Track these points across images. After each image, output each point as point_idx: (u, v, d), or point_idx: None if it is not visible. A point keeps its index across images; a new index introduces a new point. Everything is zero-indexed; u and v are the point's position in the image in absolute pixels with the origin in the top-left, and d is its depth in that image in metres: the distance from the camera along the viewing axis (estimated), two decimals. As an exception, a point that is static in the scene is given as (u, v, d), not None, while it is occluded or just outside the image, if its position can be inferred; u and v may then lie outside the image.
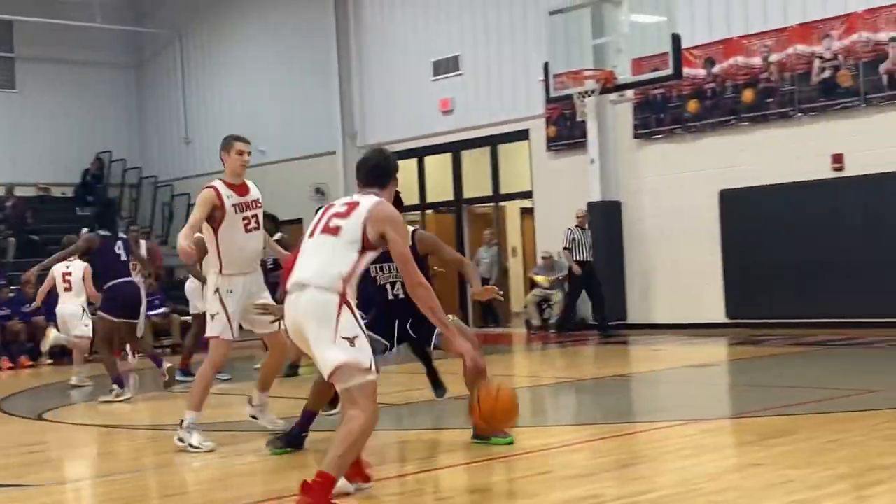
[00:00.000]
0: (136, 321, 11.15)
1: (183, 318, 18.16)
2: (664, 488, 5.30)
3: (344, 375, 4.81)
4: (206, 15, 24.39)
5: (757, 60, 15.51)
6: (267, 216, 8.80)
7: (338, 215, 5.10)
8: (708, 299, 15.93)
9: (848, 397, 8.16)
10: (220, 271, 7.17)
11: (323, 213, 5.20)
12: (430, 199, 20.65)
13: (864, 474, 5.29)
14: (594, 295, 16.34)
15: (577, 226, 16.45)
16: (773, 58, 15.31)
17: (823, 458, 5.71)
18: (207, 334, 7.15)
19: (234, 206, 7.15)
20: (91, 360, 12.73)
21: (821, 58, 14.86)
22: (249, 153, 7.43)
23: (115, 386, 10.53)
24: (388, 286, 6.77)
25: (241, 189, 7.26)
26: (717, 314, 15.88)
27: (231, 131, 18.90)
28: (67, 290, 12.44)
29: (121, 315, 10.69)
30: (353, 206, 5.13)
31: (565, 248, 16.53)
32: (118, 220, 12.01)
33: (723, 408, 8.72)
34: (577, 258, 16.27)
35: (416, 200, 20.36)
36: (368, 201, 5.13)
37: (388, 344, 6.79)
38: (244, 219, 7.20)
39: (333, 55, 21.45)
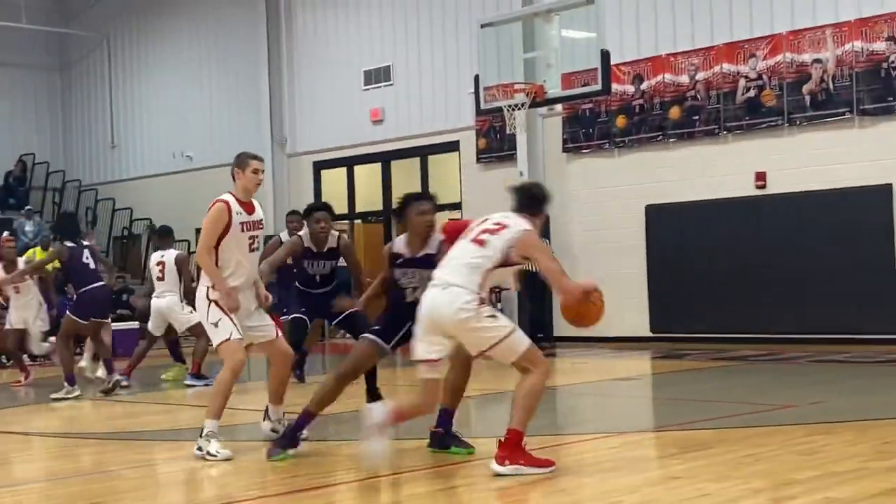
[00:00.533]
0: (106, 320, 12.13)
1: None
2: (586, 501, 5.34)
3: (509, 350, 5.88)
4: (135, 18, 24.08)
5: (684, 78, 15.75)
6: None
7: (488, 231, 6.04)
8: (632, 313, 16.09)
9: (766, 412, 8.30)
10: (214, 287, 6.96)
11: (479, 224, 6.14)
12: (359, 208, 20.60)
13: (779, 488, 5.37)
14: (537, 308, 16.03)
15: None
16: (700, 76, 15.56)
17: (740, 472, 5.79)
18: (217, 341, 6.92)
19: (241, 223, 6.97)
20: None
21: (746, 77, 15.14)
22: (263, 171, 7.33)
23: (66, 384, 10.93)
24: (409, 290, 6.84)
25: (249, 207, 7.09)
26: (641, 328, 16.06)
27: (159, 136, 19.19)
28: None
29: (92, 316, 11.30)
30: (502, 227, 6.05)
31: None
32: (80, 230, 12.44)
33: (645, 421, 8.81)
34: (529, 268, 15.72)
35: (344, 210, 20.27)
36: (517, 228, 6.07)
37: (387, 344, 6.84)
38: (249, 238, 7.04)
39: (264, 62, 21.31)
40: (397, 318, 6.78)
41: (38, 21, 24.13)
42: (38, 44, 25.19)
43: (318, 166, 21.04)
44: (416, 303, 6.32)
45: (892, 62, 13.85)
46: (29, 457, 7.92)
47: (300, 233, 9.49)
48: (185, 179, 22.92)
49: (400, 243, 6.87)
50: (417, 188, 19.49)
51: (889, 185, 13.92)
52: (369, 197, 20.36)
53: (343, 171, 20.43)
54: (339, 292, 9.29)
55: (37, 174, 24.97)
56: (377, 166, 20.13)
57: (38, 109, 25.52)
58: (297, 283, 9.85)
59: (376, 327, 6.87)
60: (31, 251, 19.79)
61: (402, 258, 6.81)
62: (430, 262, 6.46)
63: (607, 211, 16.53)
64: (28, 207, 22.45)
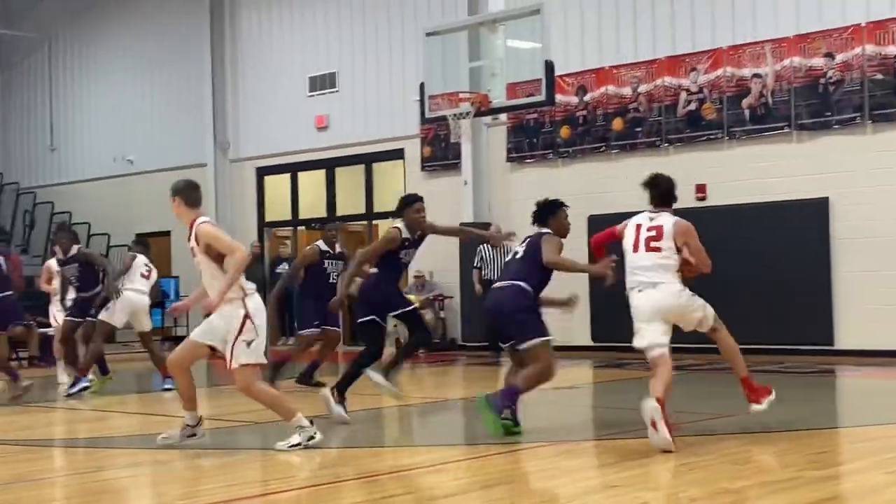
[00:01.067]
0: (4, 330, 11.77)
1: (41, 330, 17.59)
2: (523, 510, 5.35)
3: (707, 319, 7.61)
4: (78, 19, 23.79)
5: (627, 90, 15.91)
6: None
7: (651, 239, 7.51)
8: (575, 322, 16.18)
9: (703, 421, 8.40)
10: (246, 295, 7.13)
11: (635, 233, 7.64)
12: (302, 215, 20.51)
13: (713, 497, 5.44)
14: None
15: (486, 244, 15.31)
16: (643, 88, 15.74)
17: (677, 481, 5.86)
18: (245, 361, 6.96)
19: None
20: None
21: (687, 90, 15.34)
22: None
23: None
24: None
25: None
26: (584, 337, 16.16)
27: (100, 140, 18.97)
28: None
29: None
30: (659, 230, 7.51)
31: (474, 267, 15.62)
32: None
33: (584, 430, 8.87)
34: (488, 277, 15.07)
35: (288, 216, 20.19)
36: (669, 223, 7.52)
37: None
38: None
39: (207, 66, 21.16)
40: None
41: (-23, 21, 23.78)
42: (-24, 44, 24.82)
43: (262, 172, 20.93)
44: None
45: (830, 78, 14.12)
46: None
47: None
48: (126, 183, 22.68)
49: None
50: (362, 196, 19.48)
51: (825, 199, 14.18)
52: (313, 204, 20.28)
53: (287, 177, 20.35)
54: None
55: (-27, 176, 24.59)
56: (321, 173, 20.07)
57: (-25, 111, 25.12)
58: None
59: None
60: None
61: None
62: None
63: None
64: (-35, 210, 22.07)
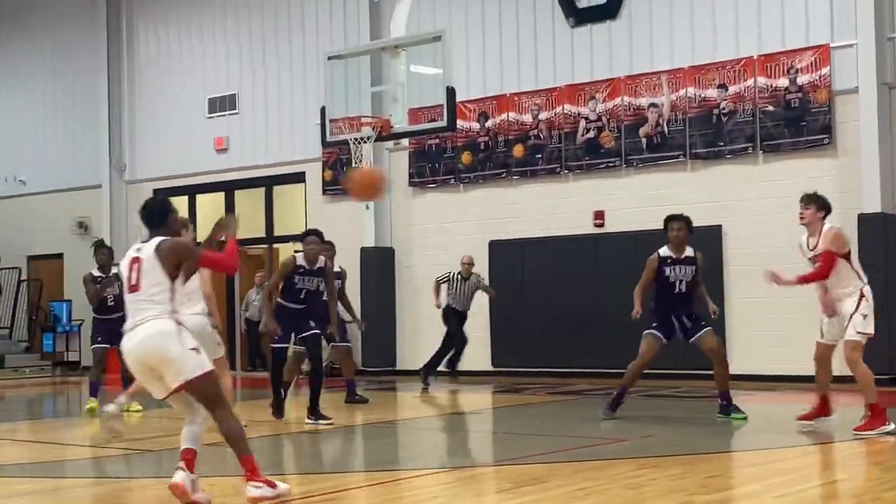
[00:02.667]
0: None
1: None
2: (418, 537, 5.31)
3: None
4: (-32, 34, 23.14)
5: (528, 117, 16.10)
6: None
7: (816, 258, 8.63)
8: (474, 347, 16.25)
9: (599, 445, 8.48)
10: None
11: (814, 256, 8.64)
12: (201, 237, 20.16)
13: (608, 522, 5.48)
14: (459, 344, 15.13)
15: (458, 273, 14.92)
16: (543, 116, 15.94)
17: (572, 507, 5.89)
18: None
19: None
20: None
21: (586, 119, 15.58)
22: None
23: None
24: (677, 283, 9.66)
25: None
26: (483, 362, 16.23)
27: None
28: None
29: None
30: (823, 242, 8.58)
31: (438, 281, 14.93)
32: None
33: (482, 455, 8.88)
34: (455, 307, 14.84)
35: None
36: (827, 234, 8.64)
37: (668, 334, 9.74)
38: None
39: (103, 85, 20.77)
40: (671, 310, 9.60)
41: None
42: None
43: (159, 194, 20.57)
44: (682, 293, 9.67)
45: (723, 108, 14.48)
46: None
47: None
48: (18, 204, 22.08)
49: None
50: (262, 218, 19.29)
51: (719, 227, 14.50)
52: (211, 226, 19.95)
53: (185, 199, 20.04)
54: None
55: None
56: (221, 195, 19.82)
57: None
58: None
59: (654, 323, 9.66)
60: None
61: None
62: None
63: (452, 245, 16.69)
64: None
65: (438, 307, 14.92)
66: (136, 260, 5.96)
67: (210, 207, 20.11)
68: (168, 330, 5.83)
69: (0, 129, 22.54)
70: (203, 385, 5.86)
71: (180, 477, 5.83)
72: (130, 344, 5.89)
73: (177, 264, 5.96)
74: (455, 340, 15.02)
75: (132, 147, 20.80)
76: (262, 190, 19.24)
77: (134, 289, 5.91)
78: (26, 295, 21.66)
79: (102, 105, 20.76)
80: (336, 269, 11.95)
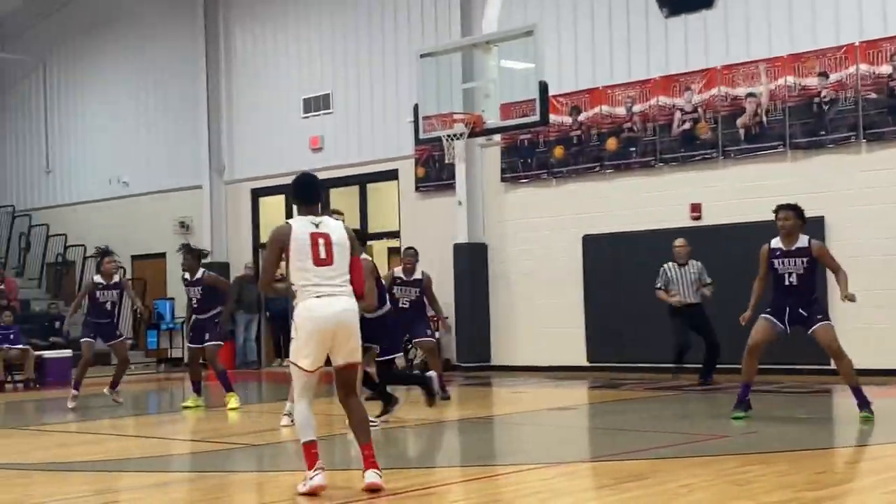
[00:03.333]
0: None
1: (38, 352, 17.55)
2: (520, 533, 5.30)
3: None
4: (73, 42, 23.82)
5: (621, 110, 15.95)
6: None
7: None
8: (570, 342, 16.19)
9: (701, 441, 8.37)
10: None
11: None
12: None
13: (713, 518, 5.40)
14: (707, 341, 13.44)
15: (672, 262, 13.45)
16: (637, 108, 15.77)
17: (675, 503, 5.82)
18: None
19: None
20: None
21: (681, 110, 15.37)
22: None
23: None
24: (786, 275, 9.32)
25: None
26: (579, 357, 16.14)
27: (94, 162, 19.12)
28: None
29: None
30: None
31: (657, 289, 13.50)
32: None
33: (580, 451, 8.82)
34: (680, 298, 13.31)
35: (283, 237, 20.13)
36: None
37: (783, 326, 9.34)
38: None
39: (202, 87, 21.18)
40: (781, 306, 9.29)
41: (-28, 44, 23.82)
42: (-29, 68, 24.84)
43: (257, 193, 20.92)
44: (793, 286, 9.22)
45: (824, 97, 14.15)
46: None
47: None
48: (121, 205, 22.66)
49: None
50: (356, 216, 19.47)
51: (821, 218, 14.16)
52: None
53: (281, 198, 20.33)
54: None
55: (-32, 199, 24.56)
56: (316, 194, 20.02)
57: (-31, 134, 25.13)
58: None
59: (769, 309, 9.32)
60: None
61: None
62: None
63: (545, 240, 16.63)
64: (-42, 233, 22.05)
65: (679, 304, 13.30)
66: (322, 235, 6.26)
67: (306, 206, 20.37)
68: (357, 311, 6.31)
69: (104, 133, 23.15)
70: (356, 371, 6.40)
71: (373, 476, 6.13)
72: (331, 310, 6.15)
73: (352, 252, 6.33)
74: (682, 339, 13.38)
75: (230, 148, 21.17)
76: (356, 188, 19.42)
77: (325, 262, 6.21)
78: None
79: (201, 108, 21.18)
80: (417, 275, 12.11)
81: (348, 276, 6.28)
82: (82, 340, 12.84)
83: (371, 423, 8.22)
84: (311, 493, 6.05)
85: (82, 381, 12.88)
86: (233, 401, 11.79)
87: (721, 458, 7.36)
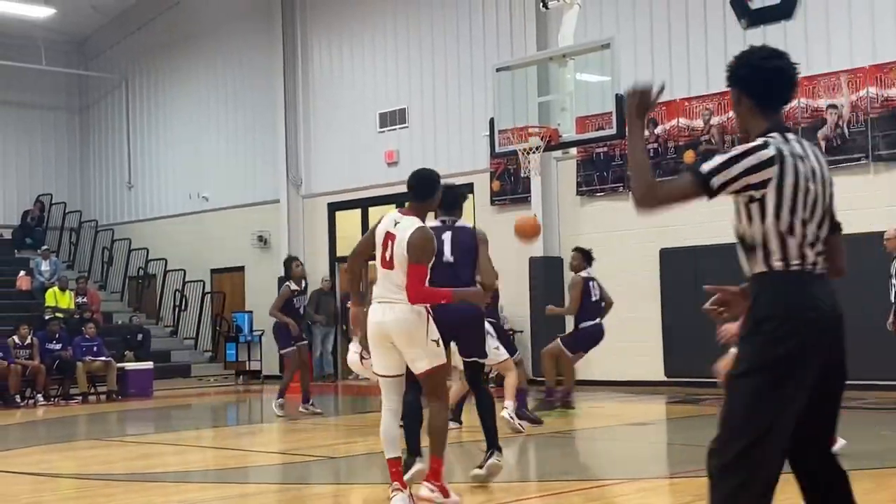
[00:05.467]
0: None
1: (119, 364, 17.89)
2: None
3: None
4: (153, 60, 24.31)
5: (698, 123, 15.79)
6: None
7: None
8: (647, 357, 16.04)
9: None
10: None
11: None
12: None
13: (796, 537, 5.30)
14: None
15: None
16: (715, 120, 15.61)
17: (757, 520, 5.72)
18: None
19: None
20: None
21: (760, 122, 15.15)
22: None
23: None
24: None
25: None
26: (656, 372, 15.98)
27: (175, 177, 19.51)
28: None
29: None
30: None
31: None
32: None
33: (659, 467, 8.74)
34: None
35: (359, 251, 20.28)
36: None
37: None
38: None
39: (280, 103, 21.47)
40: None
41: (58, 63, 24.42)
42: (57, 86, 25.47)
43: (333, 207, 21.12)
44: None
45: (907, 108, 13.86)
46: (41, 499, 7.90)
47: None
48: (201, 220, 23.03)
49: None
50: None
51: (905, 231, 13.85)
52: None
53: (357, 212, 20.49)
54: None
55: (54, 214, 25.12)
56: (391, 208, 20.11)
57: (56, 150, 25.75)
58: None
59: None
60: (49, 291, 19.93)
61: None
62: None
63: (621, 254, 16.52)
64: (45, 247, 22.56)
65: None
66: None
67: (382, 220, 20.50)
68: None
69: (183, 149, 23.57)
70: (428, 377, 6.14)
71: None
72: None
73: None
74: None
75: (307, 163, 21.41)
76: (431, 202, 19.47)
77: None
78: (210, 306, 22.54)
79: (279, 123, 21.46)
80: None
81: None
82: (287, 350, 12.93)
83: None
84: None
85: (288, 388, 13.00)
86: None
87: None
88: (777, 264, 3.50)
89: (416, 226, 6.07)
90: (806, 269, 3.50)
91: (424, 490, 5.93)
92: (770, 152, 3.50)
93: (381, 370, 6.11)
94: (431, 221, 6.45)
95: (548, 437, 10.56)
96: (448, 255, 6.81)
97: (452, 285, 6.33)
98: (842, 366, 3.62)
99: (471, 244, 7.01)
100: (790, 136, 3.65)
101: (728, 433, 3.46)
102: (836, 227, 3.79)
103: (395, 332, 5.96)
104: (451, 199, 6.95)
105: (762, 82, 3.71)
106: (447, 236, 7.13)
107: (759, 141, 3.55)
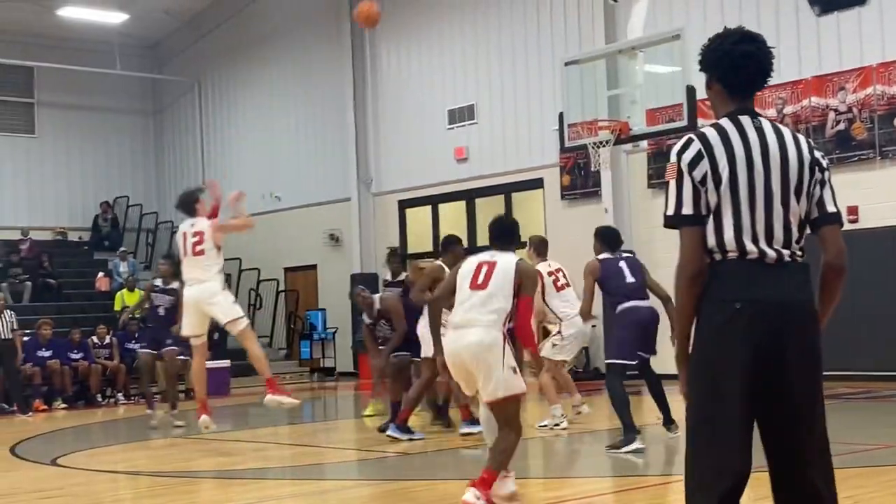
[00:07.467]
0: None
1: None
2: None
3: None
4: (225, 63, 24.64)
5: (772, 112, 15.55)
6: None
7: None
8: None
9: (863, 452, 8.08)
10: None
11: None
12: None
13: (880, 532, 5.22)
14: None
15: None
16: (788, 110, 15.36)
17: (839, 515, 5.63)
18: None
19: None
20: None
21: (835, 110, 14.90)
22: None
23: None
24: None
25: None
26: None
27: (248, 177, 19.58)
28: None
29: None
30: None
31: None
32: None
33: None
34: None
35: (429, 247, 20.40)
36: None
37: None
38: None
39: (350, 103, 21.62)
40: None
41: (132, 67, 24.85)
42: (131, 89, 25.94)
43: (403, 205, 21.22)
44: None
45: None
46: (121, 497, 8.06)
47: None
48: (274, 219, 23.27)
49: None
50: (502, 226, 19.51)
51: None
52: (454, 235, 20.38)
53: (428, 209, 20.56)
54: None
55: (131, 216, 25.59)
56: (461, 204, 20.22)
57: (132, 153, 26.23)
58: None
59: None
60: (118, 294, 20.29)
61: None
62: None
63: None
64: (122, 249, 22.98)
65: None
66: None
67: (451, 217, 20.56)
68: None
69: (256, 150, 23.85)
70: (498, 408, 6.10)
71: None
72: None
73: None
74: None
75: (377, 161, 21.53)
76: (501, 197, 19.48)
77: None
78: (284, 305, 22.78)
79: (349, 122, 21.62)
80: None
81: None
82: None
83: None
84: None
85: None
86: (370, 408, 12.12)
87: (886, 469, 7.11)
88: (716, 256, 3.41)
89: (519, 258, 6.32)
90: (748, 258, 3.34)
91: (469, 496, 5.81)
92: (691, 153, 3.38)
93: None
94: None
95: (617, 432, 10.48)
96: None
97: None
98: (800, 357, 3.46)
99: None
100: (744, 118, 3.45)
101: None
102: (827, 217, 3.53)
103: (472, 355, 5.99)
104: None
105: (731, 68, 3.48)
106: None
107: (682, 142, 3.43)
